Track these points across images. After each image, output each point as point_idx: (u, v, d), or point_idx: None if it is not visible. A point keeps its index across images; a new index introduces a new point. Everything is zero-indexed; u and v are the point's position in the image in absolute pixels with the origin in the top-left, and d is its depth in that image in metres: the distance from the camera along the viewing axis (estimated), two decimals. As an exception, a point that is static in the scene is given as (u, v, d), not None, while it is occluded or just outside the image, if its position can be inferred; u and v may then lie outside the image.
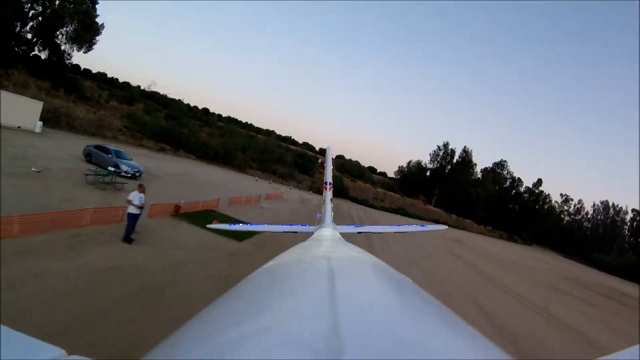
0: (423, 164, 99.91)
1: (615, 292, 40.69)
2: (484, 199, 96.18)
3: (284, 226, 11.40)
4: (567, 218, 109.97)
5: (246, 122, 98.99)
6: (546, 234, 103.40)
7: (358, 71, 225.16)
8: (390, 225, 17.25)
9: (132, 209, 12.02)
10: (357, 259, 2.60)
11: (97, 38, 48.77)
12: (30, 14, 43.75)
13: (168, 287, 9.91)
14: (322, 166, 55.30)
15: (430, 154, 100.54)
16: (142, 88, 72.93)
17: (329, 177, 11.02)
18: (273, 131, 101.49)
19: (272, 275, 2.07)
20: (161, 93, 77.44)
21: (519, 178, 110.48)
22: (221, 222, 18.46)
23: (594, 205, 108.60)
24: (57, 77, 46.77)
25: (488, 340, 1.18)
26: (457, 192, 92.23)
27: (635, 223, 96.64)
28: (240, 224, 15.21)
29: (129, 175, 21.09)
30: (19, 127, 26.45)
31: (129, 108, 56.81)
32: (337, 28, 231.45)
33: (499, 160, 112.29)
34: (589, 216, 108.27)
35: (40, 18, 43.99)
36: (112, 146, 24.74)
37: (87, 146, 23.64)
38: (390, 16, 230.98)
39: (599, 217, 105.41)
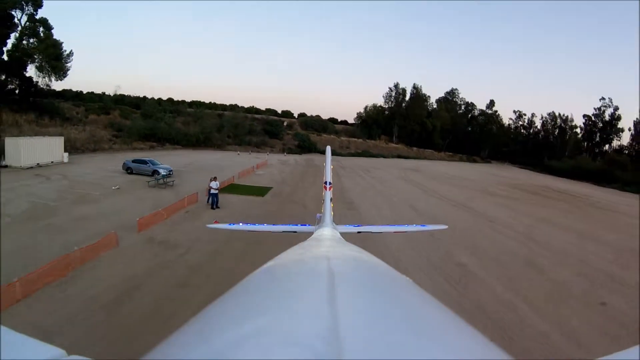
0: (379, 106, 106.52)
1: (538, 187, 49.69)
2: (439, 128, 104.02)
3: (284, 226, 11.70)
4: (523, 132, 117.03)
5: (210, 102, 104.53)
6: (502, 149, 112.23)
7: (299, 23, 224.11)
8: (391, 225, 19.11)
9: (213, 191, 21.56)
10: (357, 259, 2.70)
11: (69, 64, 53.71)
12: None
13: (249, 218, 19.14)
14: (290, 128, 62.48)
15: (383, 96, 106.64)
16: (108, 94, 78.45)
17: (328, 176, 10.93)
18: (236, 105, 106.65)
19: (272, 275, 2.18)
20: (126, 94, 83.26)
21: (471, 102, 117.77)
22: (241, 191, 26.95)
23: (541, 117, 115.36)
24: (34, 106, 52.23)
25: (488, 340, 1.24)
26: (414, 126, 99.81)
27: (587, 127, 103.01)
28: (240, 224, 14.88)
29: (166, 174, 27.84)
30: (52, 162, 32.35)
31: (107, 117, 62.10)
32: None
33: (450, 89, 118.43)
34: (539, 128, 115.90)
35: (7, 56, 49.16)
36: (134, 157, 32.26)
37: (125, 162, 30.61)
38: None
39: (548, 128, 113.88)
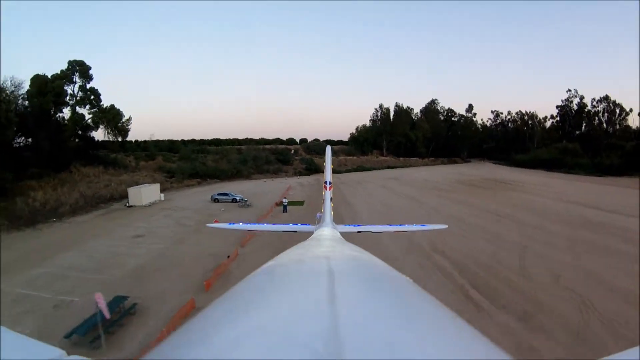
0: (368, 125, 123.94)
1: (482, 180, 65.53)
2: (422, 137, 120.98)
3: (284, 225, 12.17)
4: (498, 130, 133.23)
5: (227, 139, 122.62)
6: (482, 148, 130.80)
7: (288, 52, 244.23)
8: (391, 224, 18.67)
9: (284, 203, 37.71)
10: (357, 259, 2.76)
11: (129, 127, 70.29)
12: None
13: (305, 219, 25.67)
14: (297, 154, 79.92)
15: (370, 117, 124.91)
16: (146, 140, 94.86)
17: (328, 176, 11.11)
18: (248, 138, 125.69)
19: (272, 275, 2.21)
20: (160, 139, 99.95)
21: (450, 109, 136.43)
22: (290, 204, 40.79)
23: (509, 114, 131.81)
24: (98, 159, 67.09)
25: (488, 340, 1.24)
26: (399, 139, 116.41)
27: (560, 117, 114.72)
28: (240, 223, 15.61)
29: (238, 200, 44.19)
30: (155, 201, 47.28)
31: (154, 162, 77.90)
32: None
33: (430, 100, 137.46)
34: (508, 125, 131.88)
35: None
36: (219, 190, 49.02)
37: (212, 195, 46.66)
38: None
39: (517, 125, 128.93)
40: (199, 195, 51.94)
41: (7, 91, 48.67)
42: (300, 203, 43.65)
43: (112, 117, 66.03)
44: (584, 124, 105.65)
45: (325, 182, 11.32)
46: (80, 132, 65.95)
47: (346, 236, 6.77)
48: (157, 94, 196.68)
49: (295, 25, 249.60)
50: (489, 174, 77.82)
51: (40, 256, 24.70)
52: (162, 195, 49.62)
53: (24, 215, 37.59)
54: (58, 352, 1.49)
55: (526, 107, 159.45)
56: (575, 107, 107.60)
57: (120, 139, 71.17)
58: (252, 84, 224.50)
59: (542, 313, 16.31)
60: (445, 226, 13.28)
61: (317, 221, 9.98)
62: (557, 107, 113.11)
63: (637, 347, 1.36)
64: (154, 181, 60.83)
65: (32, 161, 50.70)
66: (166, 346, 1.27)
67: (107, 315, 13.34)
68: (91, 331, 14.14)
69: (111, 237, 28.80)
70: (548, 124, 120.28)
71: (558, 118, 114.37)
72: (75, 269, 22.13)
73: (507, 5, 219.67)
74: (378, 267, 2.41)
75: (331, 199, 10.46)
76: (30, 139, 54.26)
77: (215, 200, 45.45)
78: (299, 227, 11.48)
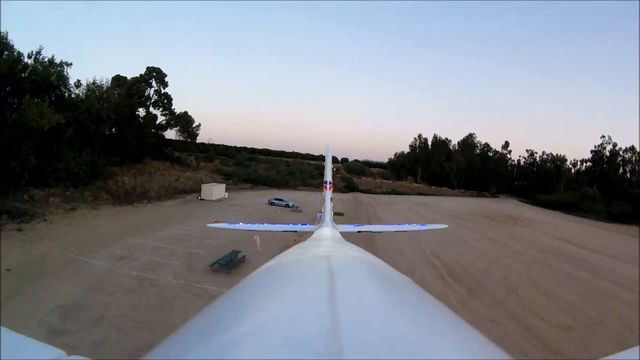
0: (406, 152, 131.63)
1: (499, 214, 71.43)
2: (455, 169, 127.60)
3: (284, 225, 12.52)
4: (531, 169, 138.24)
5: (277, 150, 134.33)
6: (514, 184, 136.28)
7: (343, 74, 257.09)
8: (391, 224, 19.17)
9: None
10: (357, 259, 2.75)
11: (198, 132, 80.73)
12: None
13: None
14: (338, 172, 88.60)
15: (410, 145, 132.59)
16: (204, 143, 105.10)
17: (328, 176, 11.18)
18: (297, 152, 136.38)
19: (272, 275, 2.22)
20: (216, 143, 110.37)
21: (486, 143, 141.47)
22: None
23: (544, 154, 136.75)
24: (165, 155, 77.76)
25: (488, 340, 1.24)
26: (435, 169, 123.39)
27: (580, 170, 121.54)
28: (240, 223, 15.73)
29: (291, 205, 52.65)
30: (221, 198, 56.11)
31: (213, 164, 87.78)
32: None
33: (468, 134, 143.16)
34: (539, 165, 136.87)
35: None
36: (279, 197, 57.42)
37: (269, 199, 55.15)
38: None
39: (547, 165, 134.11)
40: (255, 197, 60.82)
41: (107, 91, 58.88)
42: (341, 214, 51.46)
43: (186, 122, 76.52)
44: (610, 171, 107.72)
45: (325, 182, 11.24)
46: (154, 131, 76.37)
47: (346, 236, 6.84)
48: (216, 100, 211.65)
49: (352, 48, 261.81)
50: (509, 209, 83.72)
51: (155, 227, 33.47)
52: (226, 194, 58.62)
53: (121, 195, 47.13)
54: (58, 352, 1.50)
55: (564, 149, 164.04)
56: (607, 153, 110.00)
57: (190, 141, 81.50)
58: (301, 101, 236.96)
59: (482, 290, 25.28)
60: (445, 226, 13.61)
61: (317, 221, 10.16)
62: (591, 151, 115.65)
63: (637, 347, 1.39)
64: (214, 181, 69.83)
65: (116, 151, 60.66)
66: (166, 346, 1.29)
67: (259, 249, 19.89)
68: (223, 266, 23.67)
69: (199, 220, 36.91)
70: (583, 166, 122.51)
71: (591, 163, 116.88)
72: (189, 236, 30.78)
73: (554, 45, 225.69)
74: (378, 267, 2.42)
75: (331, 199, 10.37)
76: (115, 131, 64.16)
77: (271, 203, 54.02)
78: (299, 227, 11.64)
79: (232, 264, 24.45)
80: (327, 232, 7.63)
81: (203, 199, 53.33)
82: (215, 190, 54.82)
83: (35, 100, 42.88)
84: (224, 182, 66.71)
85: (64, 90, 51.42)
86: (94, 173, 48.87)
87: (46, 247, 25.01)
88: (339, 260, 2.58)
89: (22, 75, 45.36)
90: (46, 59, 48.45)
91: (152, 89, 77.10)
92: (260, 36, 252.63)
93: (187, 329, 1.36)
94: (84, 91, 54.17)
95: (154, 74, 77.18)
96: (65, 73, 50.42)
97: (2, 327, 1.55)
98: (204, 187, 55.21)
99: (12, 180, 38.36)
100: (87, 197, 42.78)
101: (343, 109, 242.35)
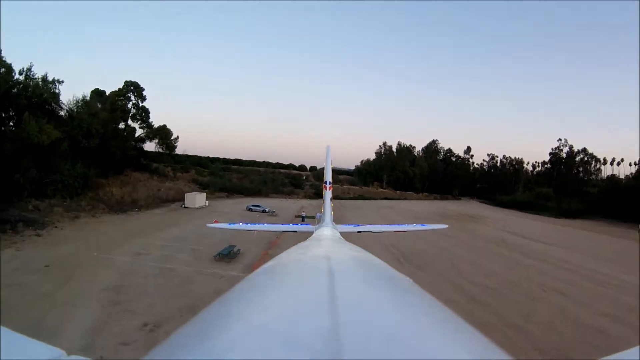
0: (372, 159, 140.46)
1: (455, 213, 78.61)
2: (419, 174, 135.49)
3: (284, 225, 12.72)
4: (491, 171, 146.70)
5: (249, 160, 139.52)
6: (476, 187, 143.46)
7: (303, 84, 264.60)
8: (391, 224, 20.29)
9: (303, 214, 50.68)
10: (357, 259, 2.79)
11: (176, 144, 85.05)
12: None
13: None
14: (308, 180, 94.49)
15: (375, 152, 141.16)
16: (177, 154, 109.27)
17: (328, 176, 11.49)
18: (268, 162, 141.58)
19: (272, 275, 2.24)
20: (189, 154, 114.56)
21: (449, 149, 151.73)
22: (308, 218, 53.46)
23: (505, 157, 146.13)
24: (144, 167, 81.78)
25: (488, 340, 1.23)
26: (399, 174, 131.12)
27: (540, 171, 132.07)
28: (240, 223, 16.05)
29: (267, 210, 58.04)
30: (203, 206, 61.09)
31: (188, 175, 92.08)
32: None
33: (431, 140, 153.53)
34: (499, 168, 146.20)
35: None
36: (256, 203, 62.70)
37: (247, 205, 60.32)
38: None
39: (506, 167, 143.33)
40: (233, 205, 65.88)
41: (94, 107, 63.27)
42: (313, 216, 57.13)
43: (165, 135, 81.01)
44: (564, 172, 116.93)
45: (325, 182, 11.34)
46: (134, 143, 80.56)
47: (346, 236, 6.80)
48: (186, 111, 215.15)
49: (317, 59, 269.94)
50: (467, 210, 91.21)
51: (154, 230, 38.41)
52: (207, 202, 63.53)
53: (114, 205, 51.71)
54: (58, 352, 1.50)
55: (525, 152, 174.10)
56: (564, 155, 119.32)
57: (168, 152, 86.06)
58: (270, 111, 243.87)
59: (429, 267, 31.46)
60: (445, 226, 13.54)
61: (317, 221, 10.20)
62: (550, 154, 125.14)
63: (637, 347, 1.40)
64: (192, 190, 74.16)
65: (101, 163, 64.73)
66: (166, 346, 1.29)
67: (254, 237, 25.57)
68: (224, 256, 29.09)
69: (191, 224, 41.90)
70: (542, 168, 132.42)
71: (549, 165, 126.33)
72: (185, 237, 35.70)
73: (512, 49, 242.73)
74: (378, 267, 2.45)
75: (331, 199, 10.40)
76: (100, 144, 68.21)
77: (249, 209, 59.18)
78: (299, 227, 11.48)
79: (231, 255, 29.34)
80: (327, 232, 7.71)
81: (187, 207, 58.11)
82: (197, 199, 59.79)
83: (30, 115, 47.04)
84: (202, 191, 71.31)
85: (56, 106, 55.81)
86: (85, 184, 53.22)
87: (69, 248, 29.44)
88: (339, 260, 2.58)
89: (14, 91, 49.64)
90: (38, 76, 52.93)
91: (131, 103, 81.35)
92: (228, 48, 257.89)
93: (187, 329, 1.38)
94: (72, 106, 58.57)
95: (132, 87, 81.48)
96: (57, 91, 55.01)
97: (2, 327, 1.57)
98: (187, 196, 60.15)
99: (15, 191, 42.53)
100: (85, 206, 47.31)
101: (311, 118, 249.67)
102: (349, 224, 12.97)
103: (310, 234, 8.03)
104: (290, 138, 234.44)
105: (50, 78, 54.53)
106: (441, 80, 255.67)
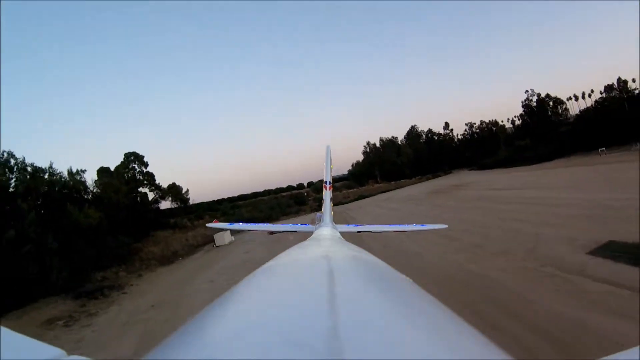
0: (361, 160, 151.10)
1: (443, 187, 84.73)
2: (407, 161, 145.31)
3: (284, 225, 12.47)
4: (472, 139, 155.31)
5: (250, 193, 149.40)
6: (458, 159, 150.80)
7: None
8: (390, 224, 19.68)
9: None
10: (357, 259, 2.80)
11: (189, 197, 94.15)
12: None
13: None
14: (309, 195, 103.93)
15: (362, 152, 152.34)
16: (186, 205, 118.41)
17: (328, 176, 11.42)
18: (268, 189, 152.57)
19: (272, 275, 2.28)
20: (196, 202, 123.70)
21: (429, 130, 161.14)
22: None
23: (481, 123, 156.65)
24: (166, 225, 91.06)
25: (488, 340, 1.25)
26: (389, 167, 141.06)
27: (516, 126, 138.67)
28: (240, 223, 16.24)
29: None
30: (230, 241, 70.14)
31: (204, 221, 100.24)
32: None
33: (410, 127, 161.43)
34: (477, 134, 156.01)
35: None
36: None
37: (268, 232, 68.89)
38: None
39: (484, 131, 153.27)
40: (254, 234, 74.01)
41: (116, 183, 72.52)
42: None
43: (176, 192, 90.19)
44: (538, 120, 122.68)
45: (325, 182, 11.44)
46: (151, 206, 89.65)
47: (346, 236, 6.85)
48: (182, 163, 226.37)
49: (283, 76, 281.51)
50: (456, 181, 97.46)
51: (205, 266, 47.00)
52: (232, 237, 72.09)
53: (159, 259, 60.52)
54: (58, 351, 1.52)
55: (502, 111, 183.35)
56: (534, 104, 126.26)
57: (183, 206, 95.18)
58: (259, 144, 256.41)
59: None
60: (445, 226, 13.50)
61: (317, 221, 10.22)
62: (522, 106, 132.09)
63: (637, 347, 1.35)
64: (212, 233, 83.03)
65: (129, 231, 73.54)
66: (166, 346, 1.31)
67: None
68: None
69: (231, 258, 49.80)
70: (520, 122, 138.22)
71: (526, 117, 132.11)
72: (233, 267, 44.44)
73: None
74: (378, 267, 2.48)
75: (331, 199, 10.58)
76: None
77: (270, 233, 67.60)
78: (299, 227, 11.60)
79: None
80: (327, 232, 7.72)
81: (218, 245, 66.66)
82: (225, 237, 68.15)
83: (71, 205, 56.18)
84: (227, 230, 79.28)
85: (85, 192, 65.16)
86: (129, 251, 62.16)
87: (156, 293, 36.97)
88: (339, 260, 2.58)
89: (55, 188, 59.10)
90: (63, 171, 63.15)
91: (137, 172, 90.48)
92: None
93: (187, 329, 1.39)
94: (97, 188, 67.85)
95: (132, 157, 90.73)
96: (83, 179, 64.44)
97: (2, 327, 1.57)
98: (216, 236, 68.62)
99: (81, 269, 51.36)
100: (139, 266, 56.07)
101: (299, 138, 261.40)
102: (348, 224, 12.53)
103: (310, 234, 7.97)
104: (283, 163, 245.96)
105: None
106: (405, 69, 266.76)
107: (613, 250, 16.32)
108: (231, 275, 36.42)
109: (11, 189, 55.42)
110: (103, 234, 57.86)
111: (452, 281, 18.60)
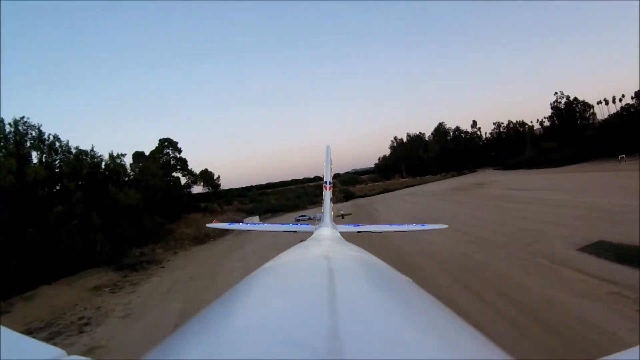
0: (388, 155, 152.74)
1: (466, 184, 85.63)
2: (433, 157, 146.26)
3: (284, 225, 12.14)
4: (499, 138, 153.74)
5: (278, 182, 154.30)
6: (484, 158, 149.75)
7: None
8: (390, 224, 20.63)
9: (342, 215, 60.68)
10: (357, 259, 2.78)
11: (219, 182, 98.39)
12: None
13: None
14: (336, 186, 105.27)
15: (389, 147, 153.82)
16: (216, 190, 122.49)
17: (328, 176, 11.47)
18: (296, 179, 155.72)
19: (272, 275, 2.24)
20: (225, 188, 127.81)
21: (457, 127, 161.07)
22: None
23: (509, 122, 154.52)
24: (196, 208, 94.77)
25: (488, 340, 1.25)
26: (414, 162, 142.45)
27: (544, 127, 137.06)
28: (240, 223, 15.98)
29: (312, 217, 68.72)
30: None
31: (233, 206, 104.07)
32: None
33: (438, 123, 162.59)
34: (504, 134, 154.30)
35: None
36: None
37: (295, 217, 71.74)
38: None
39: (511, 132, 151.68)
40: (283, 220, 77.44)
41: (153, 166, 76.58)
42: (349, 214, 67.51)
43: (208, 177, 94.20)
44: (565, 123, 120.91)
45: (325, 182, 11.56)
46: (184, 190, 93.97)
47: (346, 236, 6.80)
48: (210, 151, 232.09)
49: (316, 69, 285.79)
50: (480, 179, 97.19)
51: (237, 247, 50.01)
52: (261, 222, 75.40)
53: (193, 240, 64.28)
54: (58, 351, 1.51)
55: (530, 112, 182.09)
56: (563, 106, 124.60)
57: (214, 191, 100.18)
58: (288, 134, 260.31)
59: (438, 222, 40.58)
60: (445, 226, 13.31)
61: (317, 221, 10.19)
62: (551, 108, 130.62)
63: (637, 347, 1.34)
64: (242, 218, 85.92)
65: (163, 213, 77.56)
66: (166, 346, 1.30)
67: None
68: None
69: (261, 239, 51.99)
70: (549, 124, 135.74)
71: (554, 119, 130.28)
72: (264, 248, 47.17)
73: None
74: (378, 267, 2.45)
75: (331, 199, 10.61)
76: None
77: (297, 220, 70.75)
78: (299, 227, 11.72)
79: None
80: (327, 232, 7.68)
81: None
82: (255, 221, 71.81)
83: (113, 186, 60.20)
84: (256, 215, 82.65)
85: (124, 174, 69.27)
86: (164, 231, 66.05)
87: (192, 268, 39.91)
88: (339, 260, 2.55)
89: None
90: (103, 154, 66.76)
91: (170, 157, 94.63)
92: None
93: (187, 329, 1.39)
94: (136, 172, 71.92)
95: (166, 143, 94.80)
96: (123, 162, 68.55)
97: (2, 327, 1.58)
98: (246, 220, 72.09)
99: (122, 244, 55.31)
100: (174, 245, 59.89)
101: (324, 129, 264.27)
102: (348, 224, 12.55)
103: (310, 234, 7.94)
104: (311, 154, 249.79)
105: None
106: (435, 65, 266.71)
107: (600, 248, 18.58)
108: (263, 254, 37.11)
109: (56, 170, 59.65)
110: (141, 214, 61.68)
111: (455, 264, 21.56)
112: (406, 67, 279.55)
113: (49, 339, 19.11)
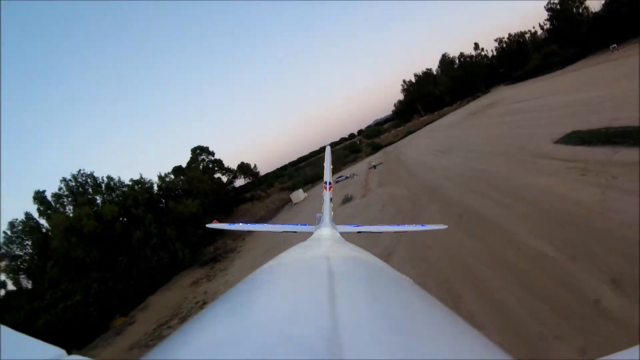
0: (402, 100, 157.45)
1: (481, 107, 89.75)
2: (444, 89, 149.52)
3: (284, 226, 11.19)
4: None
5: (307, 154, 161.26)
6: (495, 77, 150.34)
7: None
8: (391, 225, 21.44)
9: (374, 166, 69.05)
10: (357, 259, 2.69)
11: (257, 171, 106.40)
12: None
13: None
14: (362, 143, 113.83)
15: (401, 91, 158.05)
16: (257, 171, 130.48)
17: (327, 176, 10.83)
18: (321, 147, 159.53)
19: (271, 275, 2.17)
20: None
21: (461, 53, 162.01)
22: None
23: (509, 36, 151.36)
24: (243, 199, 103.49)
25: (488, 340, 1.22)
26: (428, 99, 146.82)
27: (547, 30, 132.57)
28: (240, 223, 13.81)
29: (349, 176, 75.27)
30: (305, 198, 78.62)
31: (275, 188, 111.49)
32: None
33: (441, 55, 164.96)
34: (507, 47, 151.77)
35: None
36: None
37: (335, 179, 79.24)
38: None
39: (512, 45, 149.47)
40: (322, 188, 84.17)
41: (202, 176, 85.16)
42: (380, 163, 71.05)
43: (245, 170, 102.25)
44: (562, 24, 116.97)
45: (325, 183, 10.95)
46: (227, 187, 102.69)
47: (346, 236, 6.41)
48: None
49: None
50: (491, 99, 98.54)
51: (291, 221, 57.65)
52: (306, 194, 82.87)
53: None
54: (58, 351, 1.50)
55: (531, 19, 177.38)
56: (558, 7, 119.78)
57: (255, 180, 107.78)
58: (309, 102, 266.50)
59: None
60: (445, 226, 12.35)
61: (317, 221, 9.42)
62: (546, 10, 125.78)
63: (637, 347, 1.19)
64: (287, 196, 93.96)
65: (218, 212, 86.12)
66: (166, 346, 1.28)
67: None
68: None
69: (308, 210, 58.35)
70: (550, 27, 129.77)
71: (553, 21, 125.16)
72: (314, 217, 54.90)
73: None
74: (378, 267, 2.41)
75: (331, 200, 10.10)
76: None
77: (337, 181, 77.16)
78: (298, 227, 10.78)
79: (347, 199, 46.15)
80: (327, 232, 6.92)
81: (296, 203, 77.25)
82: (300, 194, 79.15)
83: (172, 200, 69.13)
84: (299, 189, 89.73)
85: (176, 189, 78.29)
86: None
87: (263, 248, 48.97)
88: (339, 260, 2.44)
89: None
90: (151, 178, 75.46)
91: (207, 161, 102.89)
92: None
93: (187, 329, 1.37)
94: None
95: (198, 151, 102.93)
96: (171, 179, 77.44)
97: (2, 327, 1.55)
98: (292, 195, 79.54)
99: (195, 246, 64.13)
100: (239, 235, 68.30)
101: (346, 90, 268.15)
102: (348, 224, 11.26)
103: (310, 234, 7.16)
104: (334, 116, 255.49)
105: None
106: None
107: (572, 137, 21.55)
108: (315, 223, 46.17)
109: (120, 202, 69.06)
110: (201, 217, 70.17)
111: (466, 172, 26.80)
112: (402, 8, 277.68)
113: (182, 321, 24.68)
